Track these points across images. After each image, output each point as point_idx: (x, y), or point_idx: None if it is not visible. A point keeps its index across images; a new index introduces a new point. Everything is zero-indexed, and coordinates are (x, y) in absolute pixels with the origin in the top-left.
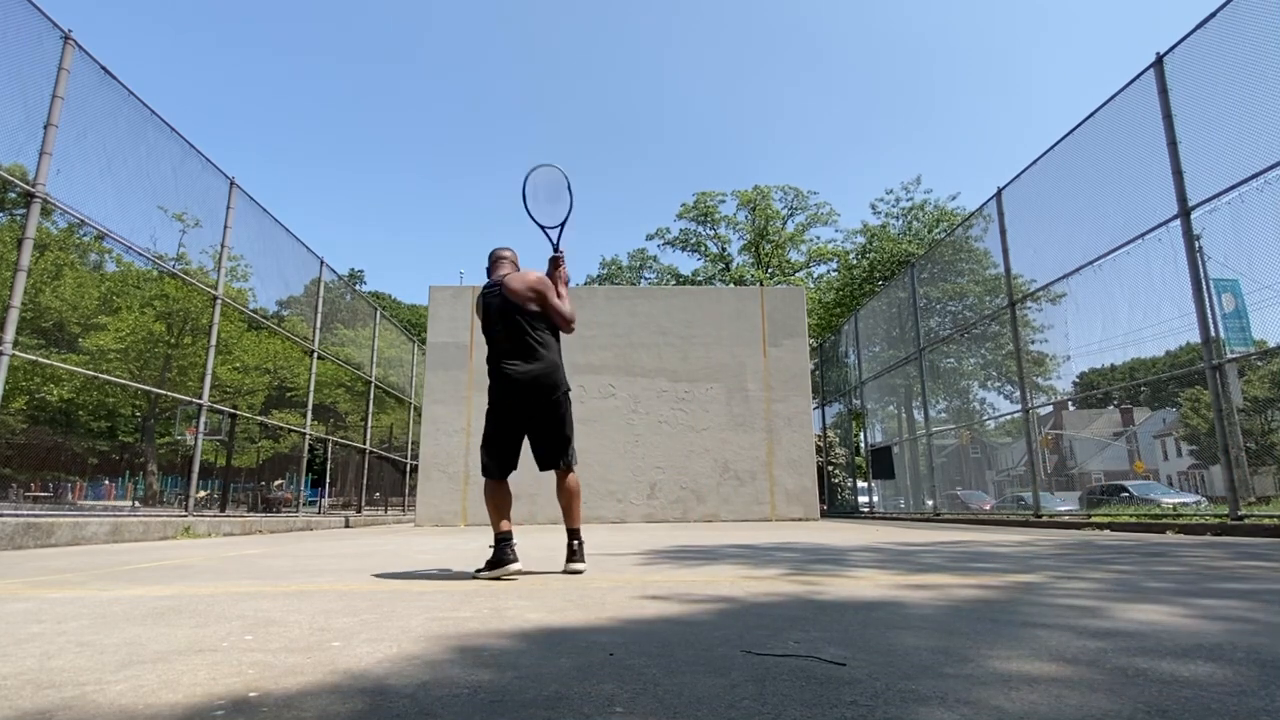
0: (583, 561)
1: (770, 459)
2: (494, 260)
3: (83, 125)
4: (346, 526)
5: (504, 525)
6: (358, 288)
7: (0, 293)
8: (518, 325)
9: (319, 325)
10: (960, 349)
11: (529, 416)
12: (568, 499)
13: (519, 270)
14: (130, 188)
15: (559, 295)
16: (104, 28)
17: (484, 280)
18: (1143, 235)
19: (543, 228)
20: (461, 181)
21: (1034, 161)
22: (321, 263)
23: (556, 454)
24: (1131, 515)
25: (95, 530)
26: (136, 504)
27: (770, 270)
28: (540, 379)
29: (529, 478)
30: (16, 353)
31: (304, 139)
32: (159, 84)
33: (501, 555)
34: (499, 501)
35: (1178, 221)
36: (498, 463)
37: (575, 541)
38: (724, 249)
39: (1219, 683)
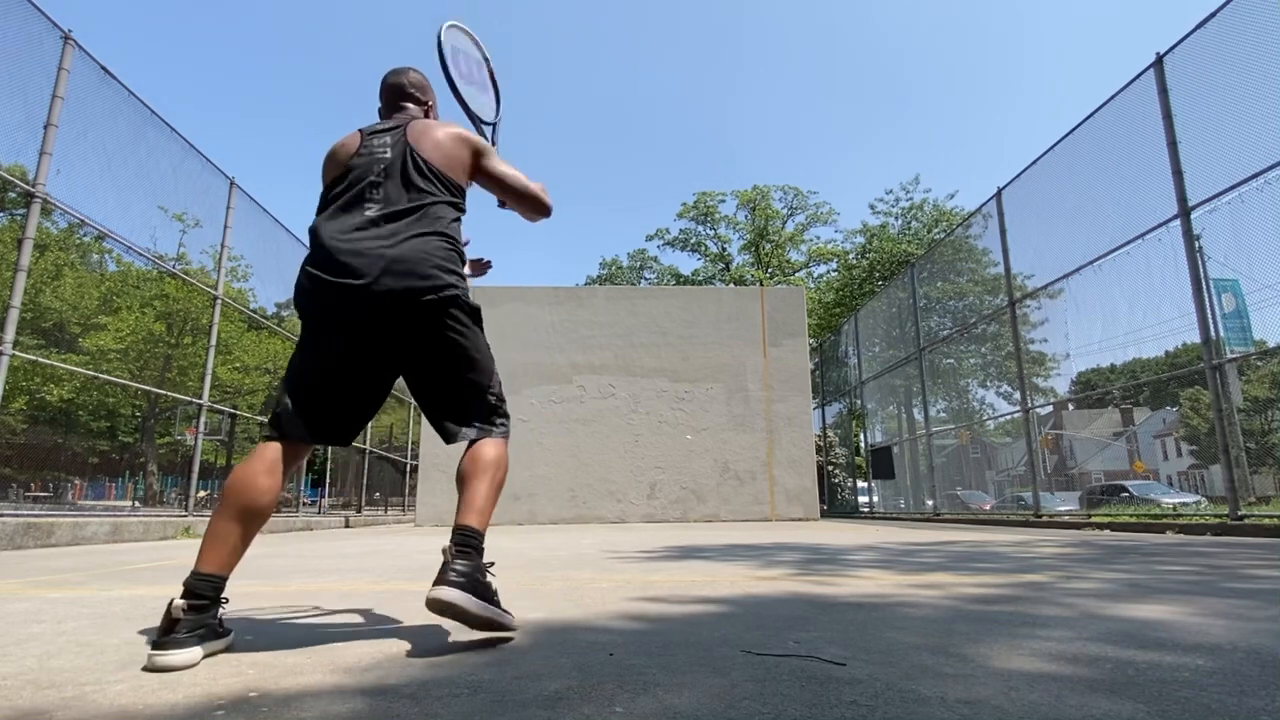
0: (455, 586)
1: (770, 459)
2: (391, 91)
3: (83, 125)
4: (346, 527)
5: (214, 558)
6: None
7: (0, 293)
8: (408, 183)
9: None
10: (960, 349)
11: (387, 340)
12: (473, 472)
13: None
14: (130, 188)
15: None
16: (103, 27)
17: (482, 281)
18: (1143, 235)
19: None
20: None
21: (1034, 161)
22: None
23: (460, 411)
24: (1131, 515)
25: (95, 530)
26: (136, 504)
27: (770, 270)
28: (408, 263)
29: (527, 476)
30: (16, 353)
31: (302, 138)
32: (156, 82)
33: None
34: (247, 499)
35: (1178, 221)
36: (302, 415)
37: (457, 549)
38: (724, 249)
39: (1219, 683)
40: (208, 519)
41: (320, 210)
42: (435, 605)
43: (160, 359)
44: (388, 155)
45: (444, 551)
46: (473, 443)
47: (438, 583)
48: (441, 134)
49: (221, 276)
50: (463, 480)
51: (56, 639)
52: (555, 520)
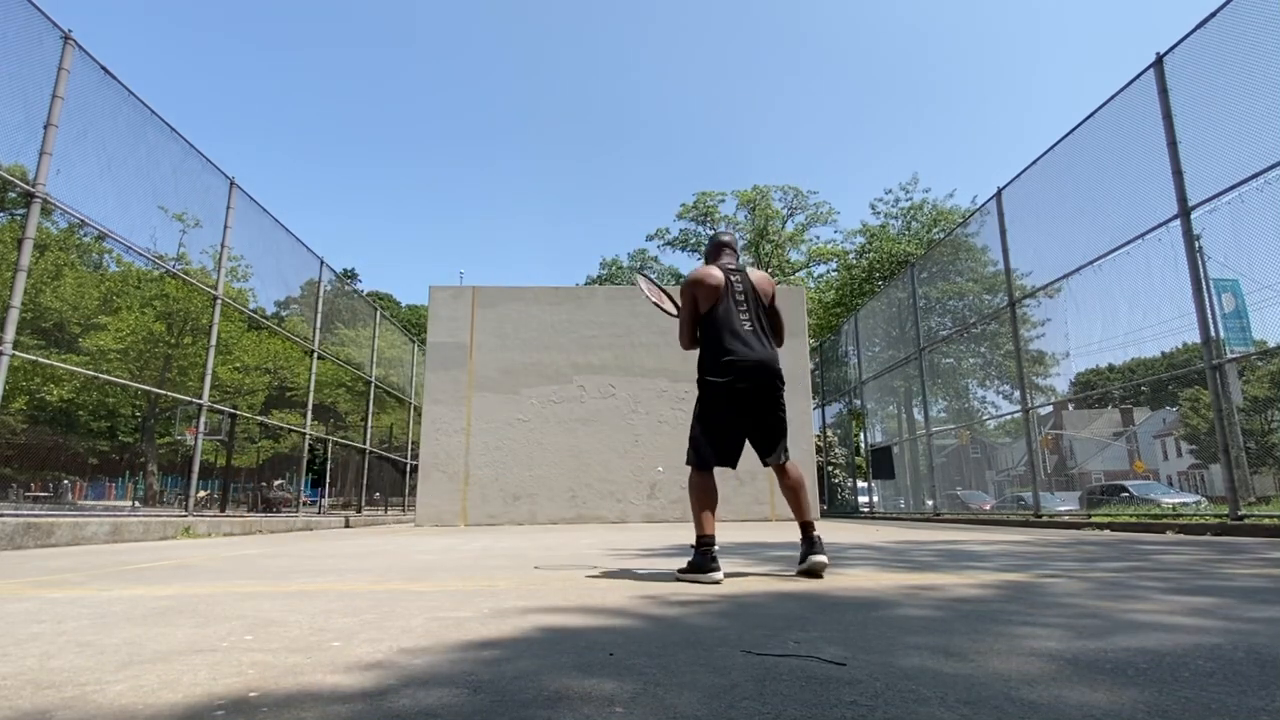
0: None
1: None
2: (722, 247)
3: (83, 125)
4: (346, 526)
5: (712, 525)
6: (354, 287)
7: (0, 293)
8: (759, 314)
9: (319, 325)
10: (960, 348)
11: (757, 402)
12: (793, 493)
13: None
14: (130, 188)
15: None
16: (102, 26)
17: (483, 281)
18: (1143, 235)
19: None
20: (462, 180)
21: (1034, 161)
22: (321, 263)
23: (778, 442)
24: (1131, 515)
25: (95, 530)
26: (136, 504)
27: (770, 270)
28: (773, 364)
29: (527, 476)
30: (16, 353)
31: (300, 137)
32: (155, 81)
33: (706, 560)
34: (709, 496)
35: (1178, 221)
36: (718, 452)
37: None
38: None
39: (1219, 683)
40: (207, 519)
41: None
42: (821, 567)
43: (160, 359)
44: (744, 286)
45: (807, 530)
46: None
47: (818, 553)
48: (763, 280)
49: (221, 276)
50: (788, 499)
51: (56, 639)
52: (555, 520)
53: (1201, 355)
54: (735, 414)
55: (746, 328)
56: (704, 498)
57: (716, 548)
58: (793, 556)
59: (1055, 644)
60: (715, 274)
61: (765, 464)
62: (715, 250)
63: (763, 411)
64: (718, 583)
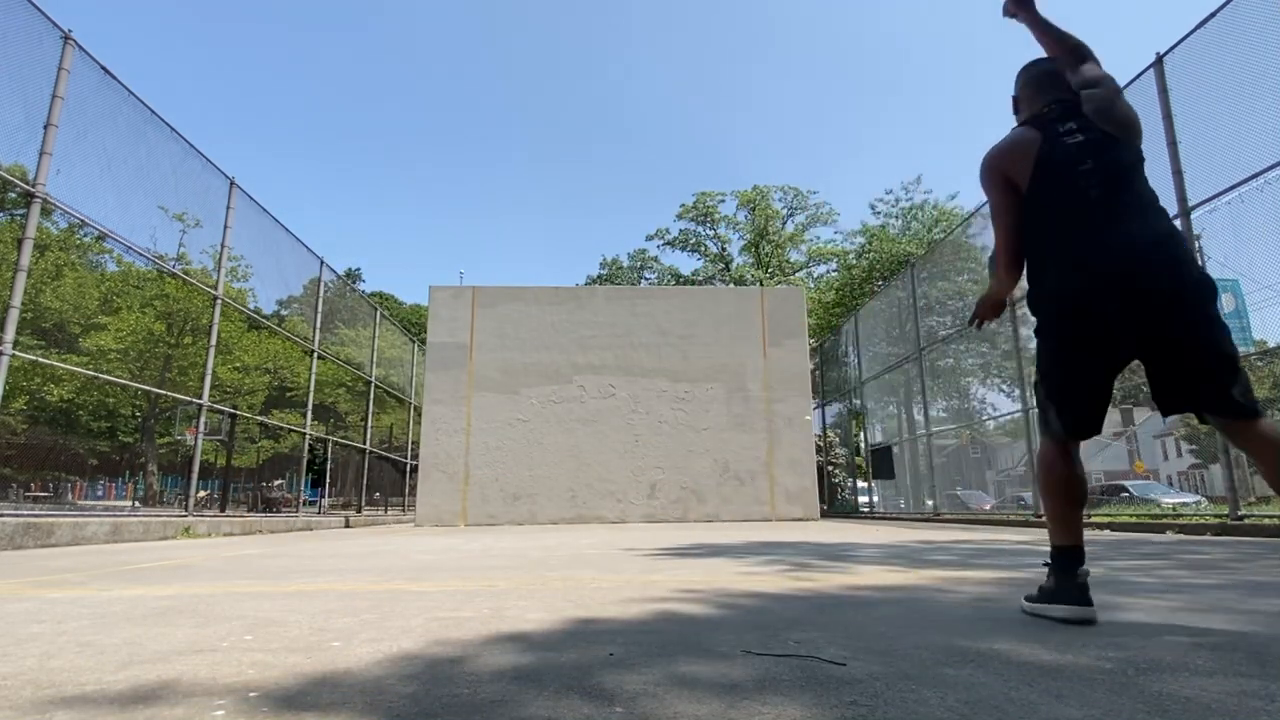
0: None
1: (770, 459)
2: (1041, 80)
3: (83, 125)
4: (346, 527)
5: (1073, 533)
6: (355, 287)
7: (0, 293)
8: (1126, 173)
9: (319, 325)
10: (959, 348)
11: (1148, 320)
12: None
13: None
14: (130, 188)
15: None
16: (102, 26)
17: (483, 281)
18: None
19: None
20: (461, 180)
21: None
22: (321, 263)
23: (1228, 382)
24: (1131, 515)
25: (95, 530)
26: (136, 504)
27: (770, 270)
28: (1171, 247)
29: (527, 476)
30: (16, 353)
31: (301, 136)
32: (155, 81)
33: (1070, 581)
34: (1069, 488)
35: (1177, 221)
36: (1075, 416)
37: None
38: (724, 249)
39: (1219, 683)
40: (207, 519)
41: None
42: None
43: (160, 359)
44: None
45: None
46: None
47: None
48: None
49: (221, 276)
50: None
51: (56, 639)
52: (555, 520)
53: None
54: (1090, 346)
55: (1101, 207)
56: (1053, 486)
57: (1085, 568)
58: (794, 559)
59: (1055, 643)
60: (1024, 140)
61: (1212, 421)
62: (1034, 89)
63: (1155, 326)
64: (1088, 622)
